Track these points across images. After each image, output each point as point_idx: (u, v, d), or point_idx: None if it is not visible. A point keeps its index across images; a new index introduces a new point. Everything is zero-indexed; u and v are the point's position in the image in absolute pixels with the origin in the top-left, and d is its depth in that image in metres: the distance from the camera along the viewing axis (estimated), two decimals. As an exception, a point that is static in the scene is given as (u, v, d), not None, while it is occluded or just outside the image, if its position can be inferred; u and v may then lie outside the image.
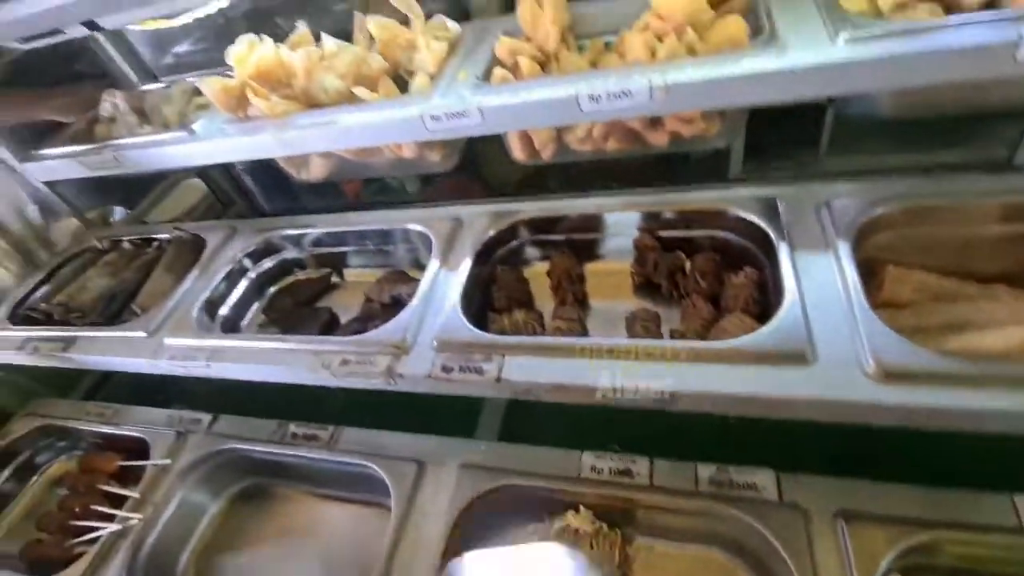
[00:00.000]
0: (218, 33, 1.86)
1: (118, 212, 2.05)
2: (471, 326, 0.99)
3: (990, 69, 0.79)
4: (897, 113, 1.13)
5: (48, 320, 1.39)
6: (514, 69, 1.15)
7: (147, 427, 1.37)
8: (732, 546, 0.98)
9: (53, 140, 1.62)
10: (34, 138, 1.63)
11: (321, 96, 1.28)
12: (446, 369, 0.94)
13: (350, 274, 1.47)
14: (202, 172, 2.07)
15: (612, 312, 1.14)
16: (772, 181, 1.07)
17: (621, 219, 1.20)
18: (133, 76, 1.86)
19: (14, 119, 1.63)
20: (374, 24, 1.27)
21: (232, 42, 1.29)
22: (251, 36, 1.32)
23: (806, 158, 1.19)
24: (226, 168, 2.03)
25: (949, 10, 0.88)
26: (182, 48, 1.98)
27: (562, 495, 1.00)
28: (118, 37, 1.78)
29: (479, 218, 1.26)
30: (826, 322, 0.82)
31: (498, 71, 1.12)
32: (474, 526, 1.02)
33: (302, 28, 1.36)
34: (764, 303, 0.97)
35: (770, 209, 1.01)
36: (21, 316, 1.45)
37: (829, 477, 0.92)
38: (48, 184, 1.65)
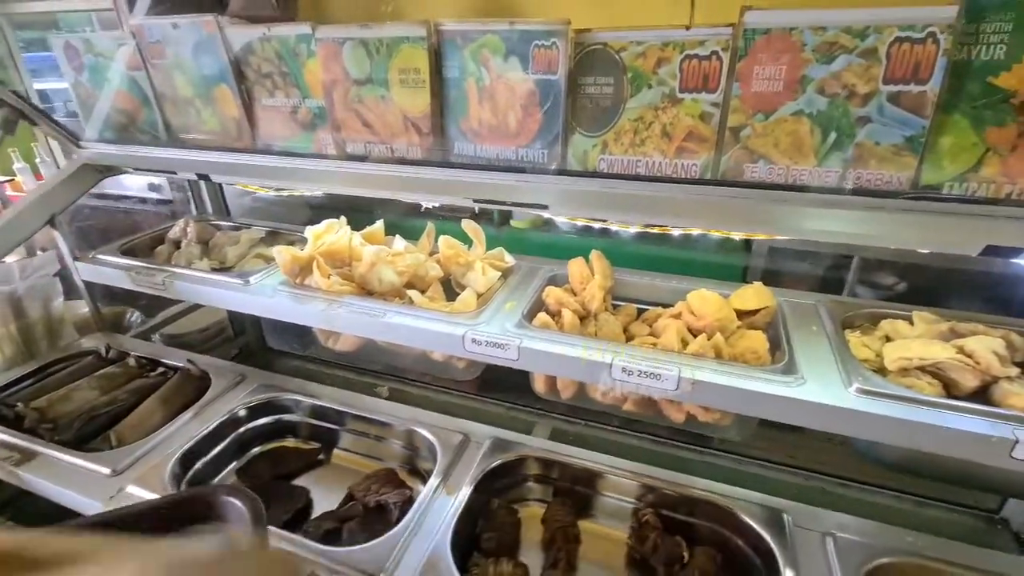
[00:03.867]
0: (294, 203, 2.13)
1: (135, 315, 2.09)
2: (457, 573, 0.92)
3: (986, 458, 0.86)
4: (899, 459, 1.21)
5: (16, 424, 1.31)
6: (556, 315, 1.27)
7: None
8: None
9: (108, 247, 1.71)
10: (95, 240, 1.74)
11: (375, 284, 1.38)
12: (417, 622, 0.85)
13: (338, 454, 1.42)
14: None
15: (599, 583, 1.07)
16: (780, 490, 1.10)
17: (624, 484, 1.20)
18: (210, 207, 2.04)
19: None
20: (444, 242, 1.43)
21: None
22: (332, 221, 1.48)
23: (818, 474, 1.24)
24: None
25: (946, 387, 1.00)
26: (261, 197, 2.21)
27: None
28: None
29: (486, 439, 1.26)
30: None
31: (542, 316, 1.23)
32: None
33: (380, 224, 1.53)
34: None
35: (777, 523, 1.01)
36: (-10, 409, 1.37)
37: None
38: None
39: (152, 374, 1.52)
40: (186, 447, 1.23)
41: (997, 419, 0.86)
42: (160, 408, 1.36)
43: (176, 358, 1.57)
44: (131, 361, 1.56)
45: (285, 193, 1.90)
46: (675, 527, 1.11)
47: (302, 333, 2.20)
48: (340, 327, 1.36)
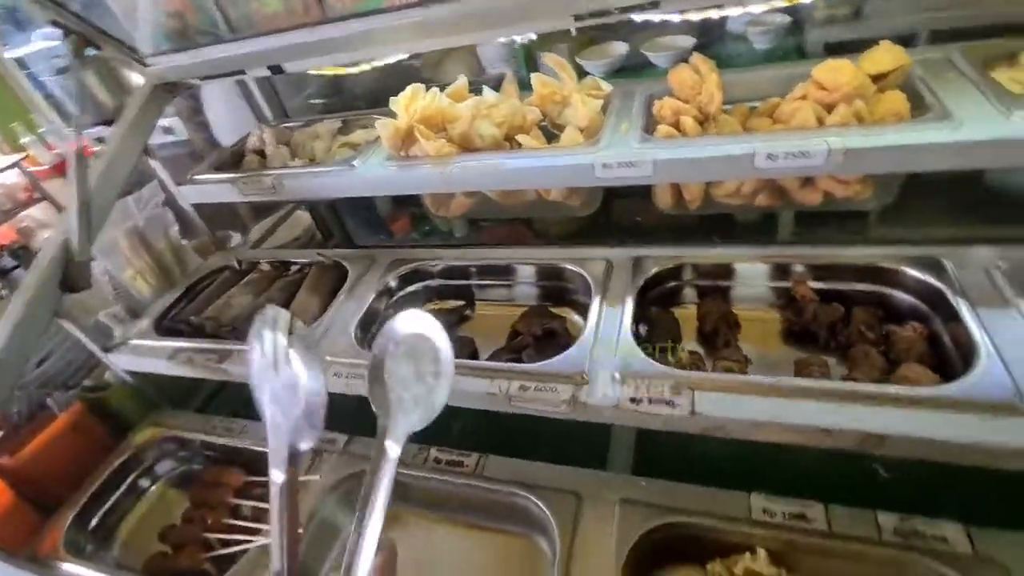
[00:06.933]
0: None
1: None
2: (652, 360, 1.03)
3: None
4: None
5: (198, 333, 1.45)
6: (674, 125, 1.25)
7: (277, 444, 1.39)
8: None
9: (198, 168, 1.74)
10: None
11: (477, 141, 1.37)
12: (635, 400, 0.98)
13: (481, 307, 1.53)
14: (312, 207, 2.20)
15: (765, 357, 1.18)
16: (929, 244, 1.14)
17: (768, 269, 1.26)
18: (268, 112, 2.01)
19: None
20: (537, 80, 1.39)
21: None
22: (417, 85, 1.44)
23: (958, 224, 1.26)
24: (332, 205, 2.18)
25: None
26: (313, 91, 2.15)
27: (732, 536, 1.00)
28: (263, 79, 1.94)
29: (627, 259, 1.33)
30: (1029, 375, 0.85)
31: (663, 127, 1.22)
32: (640, 564, 1.02)
33: (463, 79, 1.48)
34: (936, 356, 1.01)
35: (937, 268, 1.06)
36: (167, 328, 1.51)
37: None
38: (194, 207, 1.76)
39: (289, 273, 1.62)
40: (356, 319, 1.35)
41: None
42: (313, 296, 1.47)
43: (305, 256, 1.66)
44: (264, 266, 1.66)
45: (343, 72, 1.82)
46: (828, 297, 1.18)
47: (393, 220, 2.25)
48: (456, 185, 1.38)
